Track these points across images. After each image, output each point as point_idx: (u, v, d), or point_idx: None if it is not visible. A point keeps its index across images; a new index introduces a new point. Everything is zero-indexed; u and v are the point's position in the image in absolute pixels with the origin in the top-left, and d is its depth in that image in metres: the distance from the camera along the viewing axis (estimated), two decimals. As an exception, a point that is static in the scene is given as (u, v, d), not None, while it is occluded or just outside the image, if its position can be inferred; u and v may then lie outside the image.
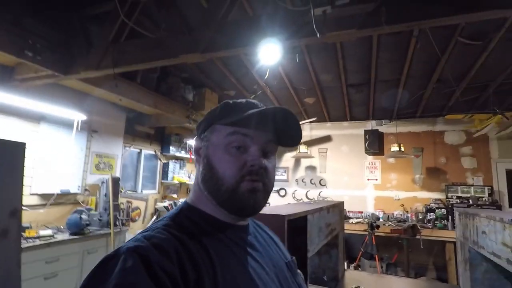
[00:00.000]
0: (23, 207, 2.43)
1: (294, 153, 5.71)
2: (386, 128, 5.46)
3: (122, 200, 4.07)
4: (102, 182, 3.78)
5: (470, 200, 4.64)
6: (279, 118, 0.61)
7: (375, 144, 5.31)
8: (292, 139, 0.65)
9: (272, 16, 2.00)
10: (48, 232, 2.95)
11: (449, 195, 4.86)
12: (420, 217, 4.75)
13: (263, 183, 0.59)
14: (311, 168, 5.94)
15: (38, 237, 2.82)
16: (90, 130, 3.89)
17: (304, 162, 5.98)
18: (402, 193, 5.19)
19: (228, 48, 2.04)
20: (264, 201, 0.61)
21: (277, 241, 0.76)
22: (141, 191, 4.89)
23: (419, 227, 4.16)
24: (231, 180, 0.57)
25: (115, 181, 3.75)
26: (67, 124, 3.53)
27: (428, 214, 4.67)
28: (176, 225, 0.55)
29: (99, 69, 2.46)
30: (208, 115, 0.65)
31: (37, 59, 2.38)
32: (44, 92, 3.19)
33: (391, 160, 5.32)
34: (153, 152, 5.16)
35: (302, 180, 5.96)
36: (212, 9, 2.14)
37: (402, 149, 4.68)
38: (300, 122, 5.37)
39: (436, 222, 4.51)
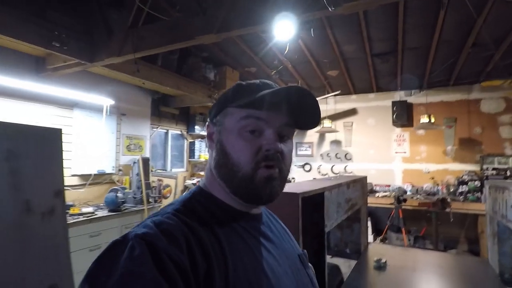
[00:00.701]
0: (65, 188, 2.67)
1: (318, 128, 5.63)
2: (415, 98, 5.18)
3: (153, 178, 4.31)
4: (134, 162, 4.01)
5: (508, 172, 4.38)
6: (295, 98, 0.56)
7: (403, 115, 5.08)
8: (309, 120, 0.60)
9: (286, -11, 1.93)
10: (90, 209, 3.24)
11: (485, 166, 4.60)
12: (452, 190, 4.59)
13: (279, 169, 0.56)
14: (336, 142, 5.85)
15: (81, 214, 3.11)
16: (119, 113, 4.09)
17: (329, 137, 5.90)
18: (432, 166, 5.00)
19: (242, 27, 2.02)
20: (281, 188, 0.58)
21: (289, 232, 0.74)
22: (171, 170, 5.14)
23: (448, 200, 4.03)
24: (247, 167, 0.54)
25: (145, 161, 3.96)
26: (97, 109, 3.73)
27: (460, 186, 4.49)
28: (188, 210, 0.53)
29: (120, 55, 2.54)
30: (220, 98, 0.61)
31: (63, 49, 2.50)
32: (75, 80, 3.37)
33: (421, 131, 5.09)
34: (180, 132, 5.34)
35: (327, 155, 5.91)
36: (225, -14, 2.10)
37: (432, 120, 4.46)
38: (324, 96, 5.30)
39: (468, 194, 4.34)
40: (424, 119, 4.50)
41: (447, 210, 3.97)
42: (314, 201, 1.47)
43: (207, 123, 0.63)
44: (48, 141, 2.42)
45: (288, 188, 1.45)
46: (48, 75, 3.09)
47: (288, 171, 0.59)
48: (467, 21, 3.21)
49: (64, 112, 3.44)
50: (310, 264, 0.71)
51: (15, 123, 2.34)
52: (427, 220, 4.46)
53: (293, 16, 1.93)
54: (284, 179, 0.58)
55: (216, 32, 2.07)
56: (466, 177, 4.54)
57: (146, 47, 2.41)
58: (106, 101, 3.68)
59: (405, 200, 4.03)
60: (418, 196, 4.59)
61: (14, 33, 2.26)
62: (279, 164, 0.56)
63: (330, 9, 1.56)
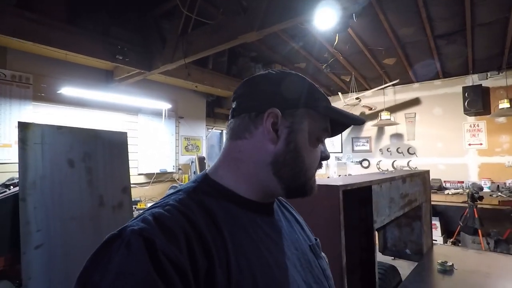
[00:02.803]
0: (132, 185, 2.99)
1: (375, 121, 5.28)
2: (493, 81, 4.49)
3: (209, 177, 4.54)
4: (192, 162, 4.28)
5: None
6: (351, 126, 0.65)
7: (477, 102, 4.44)
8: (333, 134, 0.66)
9: (326, -24, 1.85)
10: (153, 205, 3.56)
11: None
12: (545, 186, 3.88)
13: None
14: (397, 136, 5.41)
15: (147, 209, 3.43)
16: (177, 116, 4.41)
17: (389, 130, 5.48)
18: (517, 158, 4.29)
19: (282, 21, 2.00)
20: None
21: (301, 222, 0.71)
22: (226, 168, 5.34)
23: (540, 198, 3.41)
24: (310, 173, 0.57)
25: (201, 160, 4.20)
26: (158, 114, 4.08)
27: (556, 182, 3.77)
28: (191, 201, 0.50)
29: (173, 61, 2.74)
30: (290, 89, 0.56)
31: (126, 61, 2.80)
32: (138, 88, 3.75)
33: (501, 119, 4.40)
34: (233, 132, 5.51)
35: (387, 150, 5.50)
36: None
37: (515, 104, 3.82)
38: (381, 87, 4.94)
39: None
40: (505, 105, 3.88)
41: (538, 209, 3.36)
42: (361, 196, 1.39)
43: (269, 111, 0.55)
44: (117, 143, 2.74)
45: (330, 181, 1.40)
46: (115, 85, 3.49)
47: None
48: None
49: (130, 118, 3.84)
50: (323, 255, 0.68)
51: (90, 128, 2.70)
52: (511, 222, 3.84)
53: (335, 3, 1.85)
54: None
55: (257, 29, 2.09)
56: None
57: (194, 52, 2.56)
58: (164, 105, 4.01)
59: (481, 198, 3.53)
60: (499, 193, 3.98)
61: (85, 51, 2.60)
62: None
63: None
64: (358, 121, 0.61)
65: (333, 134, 0.63)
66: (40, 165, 2.19)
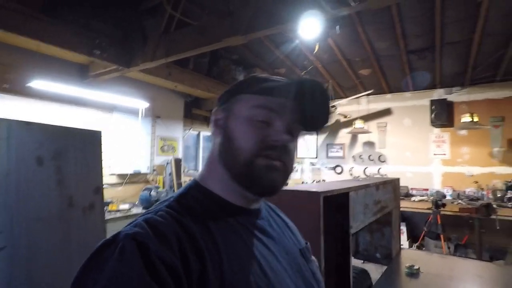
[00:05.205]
0: (104, 185, 2.87)
1: (349, 129, 5.48)
2: (456, 96, 4.83)
3: (185, 178, 4.46)
4: (167, 163, 4.18)
5: None
6: (309, 92, 0.55)
7: (443, 115, 4.76)
8: (316, 122, 0.59)
9: (312, -12, 1.91)
10: (126, 206, 3.44)
11: (538, 170, 4.18)
12: (499, 195, 4.21)
13: (283, 162, 0.54)
14: (369, 143, 5.64)
15: (119, 211, 3.31)
16: (154, 116, 4.30)
17: (362, 138, 5.70)
18: (476, 169, 4.62)
19: (268, 27, 2.03)
20: (283, 181, 0.56)
21: (291, 226, 0.71)
22: (202, 170, 5.28)
23: (494, 206, 3.71)
24: (247, 153, 0.52)
25: (177, 162, 4.12)
26: (134, 112, 3.96)
27: (509, 192, 4.11)
28: (182, 207, 0.51)
29: (154, 60, 2.68)
30: (233, 86, 0.60)
31: (103, 56, 2.70)
32: (114, 85, 3.61)
33: (463, 132, 4.74)
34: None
35: (360, 157, 5.72)
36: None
37: (476, 119, 4.13)
38: (356, 96, 5.13)
39: (519, 201, 3.95)
40: (467, 118, 4.19)
41: (493, 216, 3.65)
42: (338, 202, 1.44)
43: (214, 109, 0.60)
44: (90, 142, 2.63)
45: (310, 187, 1.44)
46: (90, 81, 3.35)
47: (292, 167, 0.58)
48: (514, 11, 2.96)
49: (104, 115, 3.70)
50: (313, 258, 0.69)
51: (61, 125, 2.57)
52: (469, 228, 4.13)
53: (319, 13, 1.91)
54: (287, 173, 0.56)
55: (242, 34, 2.10)
56: (516, 182, 4.15)
57: (176, 51, 2.52)
58: (141, 104, 3.90)
59: (444, 205, 3.78)
60: (460, 201, 4.27)
61: (60, 42, 2.48)
62: (284, 157, 0.54)
63: (352, 4, 1.52)
64: (290, 86, 0.54)
65: (311, 123, 0.60)
66: (5, 162, 2.05)
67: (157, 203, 0.55)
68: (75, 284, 0.40)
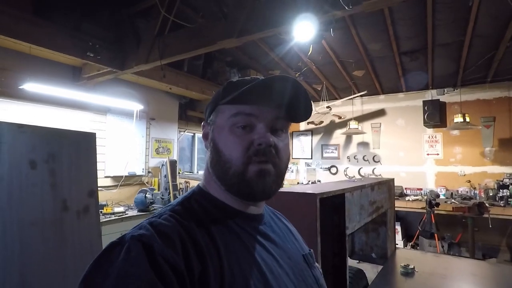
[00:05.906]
0: (99, 188, 2.85)
1: (344, 130, 5.52)
2: (449, 97, 4.90)
3: (180, 180, 4.45)
4: (162, 165, 4.16)
5: (556, 174, 4.01)
6: (281, 88, 0.55)
7: (435, 115, 4.83)
8: (301, 110, 0.59)
9: (306, -10, 1.93)
10: (121, 209, 3.42)
11: (529, 169, 4.25)
12: (491, 194, 4.27)
13: (273, 164, 0.54)
14: (364, 144, 5.69)
15: (113, 213, 3.28)
16: (148, 118, 4.28)
17: (356, 138, 5.75)
18: (468, 168, 4.69)
19: (262, 30, 2.04)
20: (276, 184, 0.56)
21: (294, 232, 0.72)
22: (197, 172, 5.27)
23: (487, 205, 3.76)
24: (238, 162, 0.53)
25: (172, 164, 4.10)
26: (128, 114, 3.94)
27: (501, 190, 4.18)
28: (185, 211, 0.53)
29: (148, 62, 2.67)
30: (213, 97, 0.61)
31: (97, 58, 2.68)
32: (108, 87, 3.59)
33: (455, 132, 4.81)
34: (205, 135, 5.46)
35: (354, 157, 5.76)
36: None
37: (468, 119, 4.20)
38: (350, 97, 5.18)
39: (510, 199, 4.02)
40: (459, 119, 4.25)
41: (485, 215, 3.70)
42: (334, 203, 1.46)
43: (202, 123, 0.64)
44: (84, 145, 2.60)
45: (306, 188, 1.45)
46: (83, 83, 3.32)
47: (285, 166, 0.58)
48: (503, 14, 3.01)
49: (98, 118, 3.67)
50: (317, 264, 0.69)
51: (55, 128, 2.54)
52: (463, 226, 4.19)
53: (313, 16, 1.93)
54: (280, 175, 0.57)
55: (237, 36, 2.11)
56: (507, 180, 4.21)
57: (171, 54, 2.52)
58: (136, 106, 3.88)
59: (437, 204, 3.82)
60: (453, 200, 4.33)
61: (53, 45, 2.46)
62: (272, 159, 0.54)
63: (347, 8, 1.54)
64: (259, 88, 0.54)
65: (295, 116, 0.60)
66: (-3, 165, 2.02)
67: (163, 207, 0.57)
68: (84, 282, 0.41)
